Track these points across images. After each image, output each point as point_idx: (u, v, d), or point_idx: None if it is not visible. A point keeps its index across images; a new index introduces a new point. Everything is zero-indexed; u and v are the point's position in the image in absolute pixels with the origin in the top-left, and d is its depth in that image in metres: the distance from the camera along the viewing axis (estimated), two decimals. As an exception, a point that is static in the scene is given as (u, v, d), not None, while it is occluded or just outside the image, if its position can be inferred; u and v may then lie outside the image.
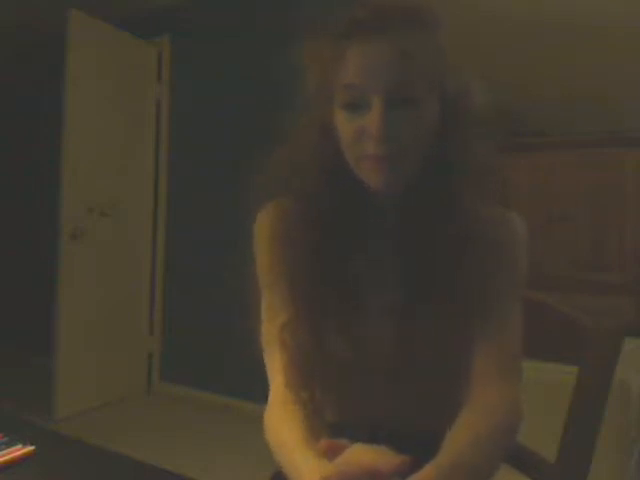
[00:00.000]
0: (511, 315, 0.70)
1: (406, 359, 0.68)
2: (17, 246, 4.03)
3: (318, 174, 0.71)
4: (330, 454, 0.54)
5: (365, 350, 0.70)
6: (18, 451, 0.71)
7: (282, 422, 0.66)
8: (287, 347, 0.70)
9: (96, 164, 2.98)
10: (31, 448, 0.72)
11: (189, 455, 2.39)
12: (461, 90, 0.68)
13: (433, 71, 0.65)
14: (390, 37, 0.63)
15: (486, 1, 2.90)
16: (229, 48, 3.07)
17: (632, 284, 3.59)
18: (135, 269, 3.34)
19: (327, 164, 0.70)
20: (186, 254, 3.26)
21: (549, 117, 4.02)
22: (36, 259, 3.83)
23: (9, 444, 0.72)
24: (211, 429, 2.74)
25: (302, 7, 2.68)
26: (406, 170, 0.67)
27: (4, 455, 0.70)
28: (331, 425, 0.71)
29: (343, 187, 0.70)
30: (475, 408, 0.64)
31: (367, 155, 0.65)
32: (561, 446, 0.79)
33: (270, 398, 0.71)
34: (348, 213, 0.71)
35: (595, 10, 2.88)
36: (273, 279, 0.74)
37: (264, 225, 0.77)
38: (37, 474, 0.69)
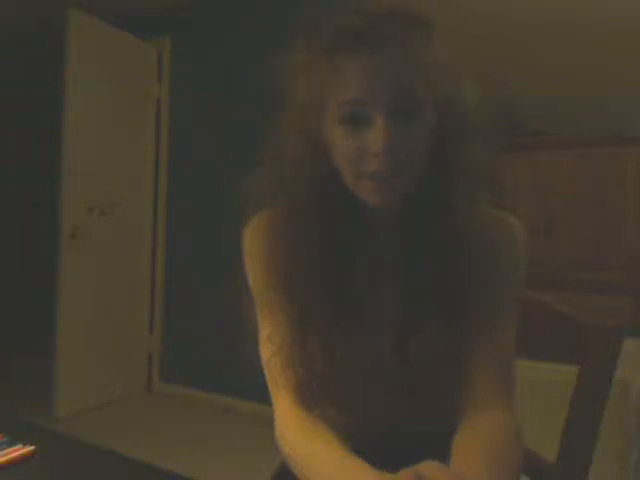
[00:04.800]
0: (510, 323, 0.70)
1: (409, 369, 0.68)
2: (17, 246, 4.02)
3: (310, 190, 0.68)
4: None
5: (368, 362, 0.69)
6: (18, 451, 0.71)
7: (307, 433, 0.65)
8: (296, 367, 0.69)
9: (96, 164, 2.98)
10: (31, 448, 0.72)
11: (189, 455, 2.39)
12: (453, 92, 0.66)
13: (432, 79, 0.63)
14: (390, 50, 0.60)
15: (486, 1, 2.90)
16: (229, 48, 3.07)
17: (632, 284, 3.59)
18: (135, 269, 3.34)
19: (319, 180, 0.68)
20: (186, 254, 3.26)
21: (549, 117, 4.02)
22: (36, 259, 3.83)
23: (9, 444, 0.72)
24: (211, 429, 2.74)
25: (302, 7, 2.68)
26: (407, 185, 0.65)
27: (4, 455, 0.70)
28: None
29: (337, 202, 0.68)
30: (480, 421, 0.63)
31: (369, 173, 0.63)
32: (561, 446, 0.79)
33: (279, 416, 0.69)
34: (344, 227, 0.69)
35: (595, 10, 2.88)
36: (273, 299, 0.72)
37: (255, 242, 0.75)
38: (37, 474, 0.69)
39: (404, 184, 0.64)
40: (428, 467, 0.51)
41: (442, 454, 0.60)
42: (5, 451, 0.70)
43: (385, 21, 0.62)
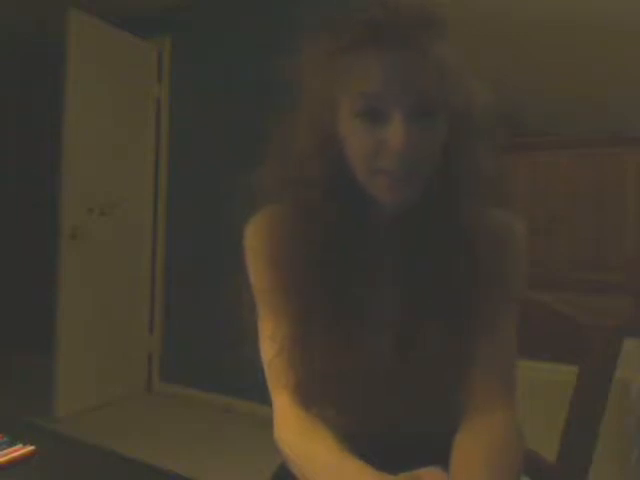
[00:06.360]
0: (510, 323, 0.70)
1: (409, 369, 0.68)
2: (17, 246, 4.02)
3: (318, 188, 0.67)
4: None
5: (368, 362, 0.69)
6: (18, 451, 0.71)
7: (306, 433, 0.65)
8: (296, 366, 0.69)
9: (96, 164, 2.98)
10: (31, 448, 0.72)
11: (189, 455, 2.39)
12: (465, 93, 0.65)
13: (448, 79, 0.62)
14: (414, 46, 0.60)
15: (486, 1, 2.90)
16: (229, 48, 3.07)
17: (632, 284, 3.59)
18: (135, 269, 3.33)
19: (328, 177, 0.67)
20: (186, 253, 3.26)
21: (549, 117, 4.02)
22: (36, 259, 3.83)
23: (9, 444, 0.72)
24: (211, 429, 2.74)
25: (302, 7, 2.68)
26: (419, 184, 0.65)
27: (4, 455, 0.70)
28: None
29: (344, 199, 0.67)
30: (480, 421, 0.63)
31: (384, 170, 0.62)
32: (561, 446, 0.79)
33: (278, 416, 0.69)
34: (348, 226, 0.68)
35: (595, 10, 2.88)
36: (274, 297, 0.72)
37: (257, 239, 0.74)
38: (37, 474, 0.69)
39: (417, 184, 0.64)
40: (429, 473, 0.51)
41: (442, 454, 0.60)
42: (5, 451, 0.71)
43: (409, 18, 0.61)
